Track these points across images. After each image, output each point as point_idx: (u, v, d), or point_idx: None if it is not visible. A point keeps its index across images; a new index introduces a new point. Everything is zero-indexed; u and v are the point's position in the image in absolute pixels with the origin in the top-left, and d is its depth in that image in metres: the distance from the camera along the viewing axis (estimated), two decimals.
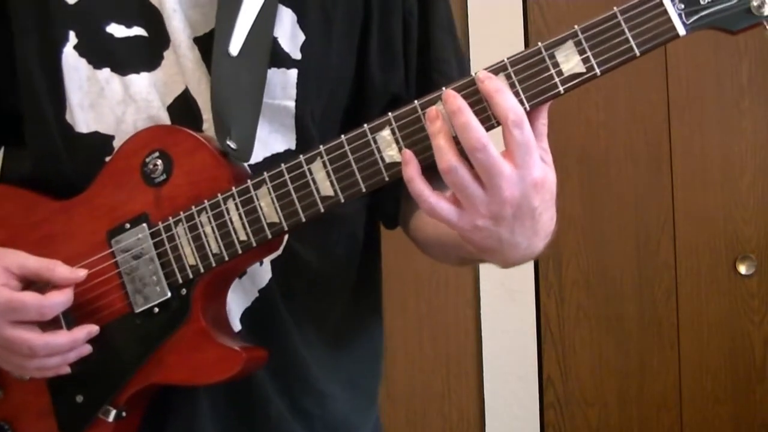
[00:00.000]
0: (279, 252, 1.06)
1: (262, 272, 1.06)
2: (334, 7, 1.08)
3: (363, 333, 1.18)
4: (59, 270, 1.00)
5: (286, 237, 1.05)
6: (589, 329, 2.77)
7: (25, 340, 0.98)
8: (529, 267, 2.73)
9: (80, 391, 1.02)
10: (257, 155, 1.03)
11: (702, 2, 0.86)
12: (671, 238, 2.75)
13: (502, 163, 0.86)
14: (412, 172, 0.88)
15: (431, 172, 0.93)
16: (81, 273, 1.01)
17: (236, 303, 1.05)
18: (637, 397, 2.76)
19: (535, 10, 2.76)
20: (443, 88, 0.89)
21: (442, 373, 2.75)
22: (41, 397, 1.04)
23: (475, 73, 0.89)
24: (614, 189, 2.75)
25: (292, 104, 1.05)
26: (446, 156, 0.86)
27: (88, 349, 1.01)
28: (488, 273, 2.71)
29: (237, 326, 1.06)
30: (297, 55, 1.05)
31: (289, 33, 1.05)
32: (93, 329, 1.01)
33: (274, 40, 1.04)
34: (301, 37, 1.06)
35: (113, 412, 1.01)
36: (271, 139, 1.05)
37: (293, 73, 1.05)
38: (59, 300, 0.99)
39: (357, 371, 1.16)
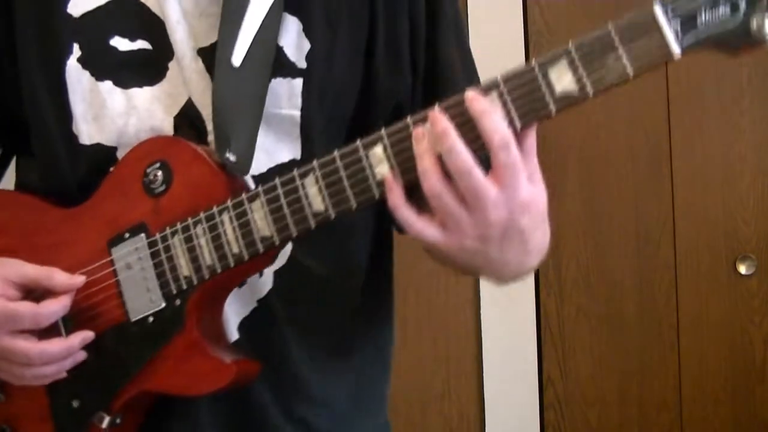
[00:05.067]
0: (283, 262, 1.06)
1: (262, 283, 1.06)
2: (339, 14, 1.07)
3: (371, 344, 1.17)
4: (57, 277, 1.01)
5: (289, 247, 1.05)
6: (589, 329, 2.77)
7: (20, 349, 0.99)
8: None
9: (76, 397, 1.03)
10: (262, 165, 1.03)
11: (699, 22, 0.83)
12: (671, 238, 2.75)
13: (487, 187, 0.85)
14: (397, 199, 0.88)
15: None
16: (79, 279, 1.01)
17: (234, 312, 1.05)
18: (637, 397, 2.76)
19: (535, 10, 2.76)
20: (437, 104, 0.88)
21: (442, 373, 2.75)
22: (40, 402, 1.04)
23: (464, 92, 0.88)
24: (614, 189, 2.75)
25: (297, 114, 1.05)
26: (431, 179, 0.86)
27: (83, 355, 1.02)
28: None
29: (234, 335, 1.06)
30: (302, 64, 1.05)
31: (294, 42, 1.05)
32: (88, 335, 1.01)
33: (280, 50, 1.04)
34: (307, 46, 1.05)
35: (107, 419, 1.01)
36: (277, 149, 1.05)
37: (298, 82, 1.05)
38: (54, 308, 1.00)
39: (363, 382, 1.15)
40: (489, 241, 0.88)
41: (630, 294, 2.76)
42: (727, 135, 2.74)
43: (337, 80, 1.07)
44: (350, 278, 1.12)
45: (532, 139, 0.88)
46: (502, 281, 1.01)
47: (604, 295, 2.76)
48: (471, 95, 0.86)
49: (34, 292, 1.02)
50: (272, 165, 1.05)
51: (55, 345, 1.00)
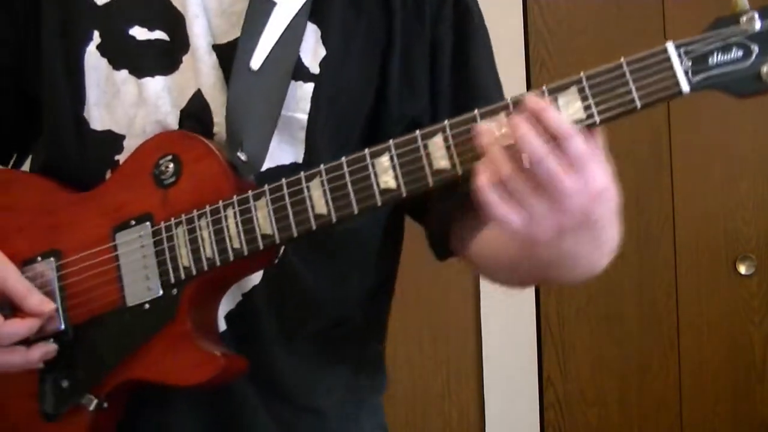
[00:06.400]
0: (274, 262, 1.06)
1: (248, 278, 1.07)
2: (356, 24, 1.09)
3: (360, 356, 1.17)
4: (31, 300, 1.03)
5: (282, 250, 1.06)
6: (589, 329, 2.77)
7: None
8: None
9: (66, 377, 1.05)
10: (264, 165, 1.04)
11: (710, 63, 0.84)
12: (671, 238, 2.75)
13: (562, 173, 0.85)
14: (485, 180, 0.86)
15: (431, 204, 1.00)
16: (49, 307, 1.03)
17: (222, 303, 1.06)
18: (637, 397, 2.76)
19: (535, 10, 2.76)
20: (476, 110, 0.89)
21: (442, 373, 2.75)
22: (29, 378, 1.06)
23: (510, 98, 0.88)
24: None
25: (304, 117, 1.06)
26: (505, 168, 0.85)
27: (39, 365, 1.03)
28: None
29: (222, 326, 1.07)
30: (315, 69, 1.07)
31: (312, 48, 1.07)
32: (50, 350, 1.03)
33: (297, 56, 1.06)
34: (322, 53, 1.07)
35: (95, 401, 1.03)
36: (279, 151, 1.06)
37: (309, 86, 1.06)
38: (17, 329, 1.01)
39: (351, 393, 1.15)
40: (564, 231, 0.88)
41: (630, 294, 2.76)
42: (727, 135, 2.74)
43: (347, 88, 1.08)
44: (338, 292, 1.12)
45: (598, 138, 0.88)
46: (567, 281, 1.01)
47: (604, 295, 2.76)
48: (528, 97, 0.86)
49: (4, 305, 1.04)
50: (272, 165, 1.05)
51: (16, 356, 1.02)
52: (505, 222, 0.87)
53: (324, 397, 1.12)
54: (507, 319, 2.72)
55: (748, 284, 2.74)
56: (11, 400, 1.08)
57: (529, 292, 2.74)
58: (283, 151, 1.06)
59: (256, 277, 1.07)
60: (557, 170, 0.84)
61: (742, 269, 2.73)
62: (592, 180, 0.86)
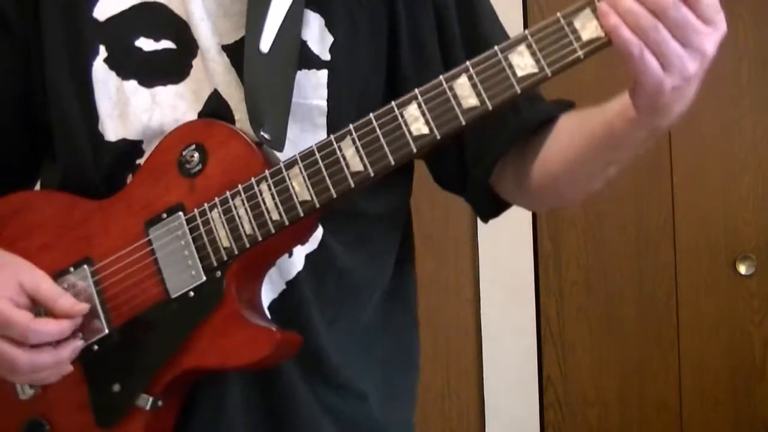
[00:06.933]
0: (314, 246, 1.07)
1: (291, 264, 1.07)
2: (359, 11, 1.10)
3: (396, 337, 1.18)
4: (61, 302, 1.02)
5: (320, 232, 1.07)
6: (589, 329, 2.77)
7: (8, 356, 0.99)
8: (529, 267, 2.74)
9: (117, 380, 1.03)
10: (287, 154, 1.04)
11: None
12: (671, 238, 2.75)
13: (696, 18, 0.88)
14: (617, 19, 0.88)
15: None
16: (80, 308, 1.02)
17: (264, 293, 1.06)
18: (637, 397, 2.76)
19: (535, 10, 2.76)
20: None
21: (442, 373, 2.75)
22: (78, 389, 1.04)
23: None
24: (614, 189, 2.75)
25: (324, 103, 1.07)
26: (642, 19, 0.87)
27: (69, 369, 1.02)
28: (488, 273, 2.71)
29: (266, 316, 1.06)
30: (326, 56, 1.08)
31: (317, 36, 1.08)
32: (77, 346, 1.02)
33: (303, 44, 1.07)
34: (330, 39, 1.08)
35: (150, 401, 1.01)
36: (301, 139, 1.06)
37: (323, 73, 1.07)
38: (48, 329, 1.00)
39: (389, 377, 1.16)
40: (693, 78, 0.92)
41: (630, 294, 2.76)
42: (727, 135, 2.74)
43: (361, 72, 1.10)
44: (377, 271, 1.14)
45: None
46: (658, 132, 1.07)
47: (604, 295, 2.76)
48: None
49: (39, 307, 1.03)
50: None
51: (45, 355, 1.00)
52: (642, 66, 0.89)
53: (365, 382, 1.13)
54: (507, 319, 2.72)
55: (748, 284, 2.74)
56: (63, 415, 1.06)
57: (529, 292, 2.74)
58: (305, 139, 1.06)
59: (299, 263, 1.07)
60: (691, 15, 0.87)
61: (742, 269, 2.73)
62: (720, 24, 0.89)
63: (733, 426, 2.74)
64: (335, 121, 1.07)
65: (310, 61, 1.07)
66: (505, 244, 2.67)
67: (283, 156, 1.02)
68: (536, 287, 2.76)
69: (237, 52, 1.05)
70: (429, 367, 2.75)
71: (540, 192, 1.14)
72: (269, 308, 1.06)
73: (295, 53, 1.05)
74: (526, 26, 2.74)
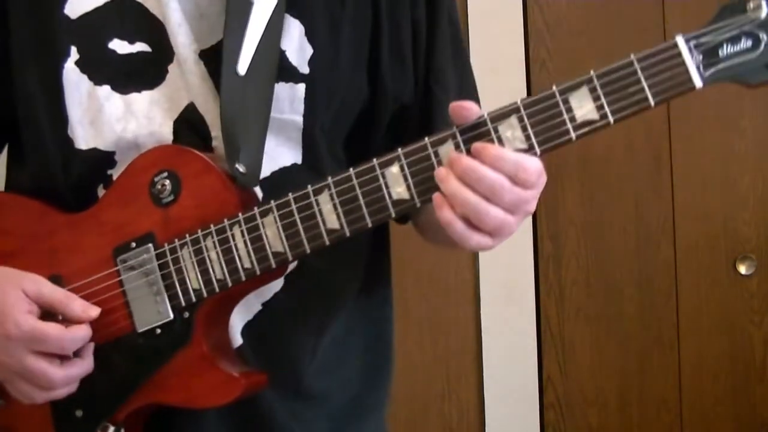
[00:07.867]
0: (294, 266, 1.05)
1: (268, 286, 1.05)
2: (341, 16, 1.06)
3: (370, 346, 1.17)
4: (73, 307, 0.99)
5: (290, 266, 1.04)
6: (589, 329, 2.77)
7: (45, 373, 0.97)
8: (529, 267, 2.73)
9: (80, 407, 1.02)
10: (265, 170, 1.03)
11: (721, 55, 0.85)
12: (671, 237, 2.75)
13: (526, 191, 0.92)
14: (450, 214, 0.90)
15: None
16: (94, 312, 1.00)
17: (238, 316, 1.04)
18: (637, 397, 2.76)
19: (535, 10, 2.76)
20: (426, 138, 0.92)
21: (442, 373, 2.75)
22: (42, 409, 1.03)
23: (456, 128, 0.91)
24: (614, 189, 2.75)
25: (299, 119, 1.04)
26: (467, 195, 0.90)
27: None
28: (488, 273, 2.71)
29: (238, 340, 1.05)
30: (305, 69, 1.04)
31: (296, 46, 1.04)
32: (92, 347, 1.00)
33: (282, 53, 1.03)
34: (309, 51, 1.05)
35: (112, 428, 1.01)
36: (278, 153, 1.04)
37: (301, 87, 1.04)
38: (82, 334, 0.98)
39: (364, 385, 1.15)
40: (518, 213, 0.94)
41: (630, 294, 2.76)
42: (727, 135, 2.74)
43: (340, 84, 1.06)
44: (351, 276, 1.12)
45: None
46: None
47: (604, 295, 2.76)
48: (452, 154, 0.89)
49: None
50: (275, 168, 1.04)
51: (76, 368, 0.99)
52: (476, 248, 0.94)
53: (340, 392, 1.12)
54: (507, 319, 2.72)
55: (748, 284, 2.74)
56: (25, 430, 1.04)
57: (529, 292, 2.74)
58: (282, 153, 1.04)
59: (277, 284, 1.05)
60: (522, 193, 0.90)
61: (742, 269, 2.73)
62: (542, 180, 0.91)
63: (733, 426, 2.74)
64: (311, 137, 1.05)
65: (288, 72, 1.04)
66: (505, 244, 2.66)
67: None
68: (536, 287, 2.75)
69: (213, 59, 1.01)
70: (429, 367, 2.75)
71: (423, 235, 1.16)
72: (242, 331, 1.04)
73: (274, 68, 1.02)
74: (525, 27, 2.74)
